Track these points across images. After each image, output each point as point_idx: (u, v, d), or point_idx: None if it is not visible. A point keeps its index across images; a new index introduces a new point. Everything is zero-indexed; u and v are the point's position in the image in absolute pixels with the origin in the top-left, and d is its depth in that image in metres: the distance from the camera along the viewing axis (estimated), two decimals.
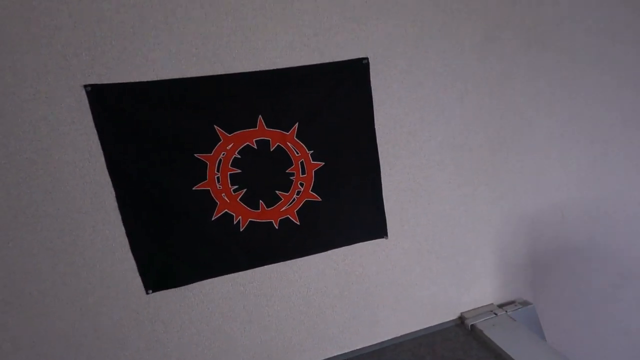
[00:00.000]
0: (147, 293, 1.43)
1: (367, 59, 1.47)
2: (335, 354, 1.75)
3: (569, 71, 1.80)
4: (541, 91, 1.77)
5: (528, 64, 1.71)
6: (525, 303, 1.95)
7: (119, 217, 1.34)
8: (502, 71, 1.68)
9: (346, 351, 1.76)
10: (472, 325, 1.81)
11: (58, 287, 1.34)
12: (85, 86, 1.21)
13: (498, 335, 1.70)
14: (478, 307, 1.93)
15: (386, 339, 1.81)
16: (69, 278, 1.34)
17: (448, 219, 1.76)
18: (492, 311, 1.88)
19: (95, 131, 1.26)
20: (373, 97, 1.51)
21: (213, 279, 1.50)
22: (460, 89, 1.63)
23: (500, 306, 1.93)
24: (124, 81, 1.24)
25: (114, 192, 1.32)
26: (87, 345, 1.42)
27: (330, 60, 1.43)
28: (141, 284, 1.42)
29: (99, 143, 1.27)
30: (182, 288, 1.47)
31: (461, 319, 1.89)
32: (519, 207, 1.87)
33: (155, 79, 1.27)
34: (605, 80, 1.89)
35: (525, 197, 1.87)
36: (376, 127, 1.54)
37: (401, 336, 1.82)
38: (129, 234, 1.36)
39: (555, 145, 1.87)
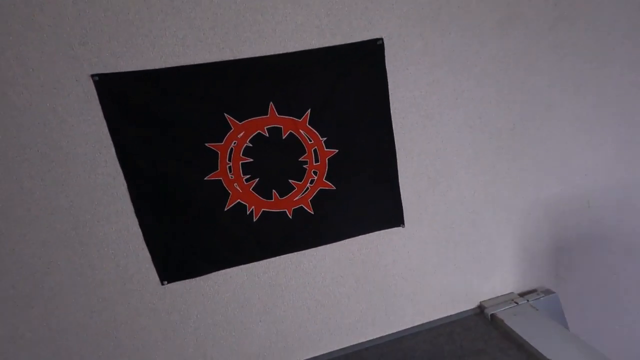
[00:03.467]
0: (163, 284, 1.43)
1: (381, 39, 1.39)
2: (352, 344, 1.73)
3: (598, 49, 1.69)
4: (567, 71, 1.67)
5: (553, 42, 1.61)
6: (547, 292, 1.88)
7: (132, 208, 1.33)
8: (524, 50, 1.58)
9: (363, 340, 1.74)
10: (492, 315, 1.76)
11: (74, 279, 1.34)
12: (92, 76, 1.19)
13: (519, 324, 1.65)
14: (498, 296, 1.88)
15: (403, 328, 1.78)
16: (85, 270, 1.34)
17: (467, 207, 1.70)
18: (513, 300, 1.83)
19: (104, 122, 1.24)
20: (388, 80, 1.44)
21: (228, 269, 1.49)
22: (480, 70, 1.55)
23: (522, 295, 1.88)
24: (132, 70, 1.21)
25: (125, 184, 1.30)
26: (106, 336, 1.43)
27: (343, 42, 1.37)
28: (156, 275, 1.42)
29: (109, 134, 1.25)
30: (198, 279, 1.46)
31: (480, 308, 1.85)
32: (542, 194, 1.79)
33: (163, 66, 1.23)
34: (637, 59, 1.76)
35: (548, 183, 1.79)
36: (392, 111, 1.48)
37: (419, 325, 1.79)
38: (142, 226, 1.35)
39: (581, 130, 1.77)
